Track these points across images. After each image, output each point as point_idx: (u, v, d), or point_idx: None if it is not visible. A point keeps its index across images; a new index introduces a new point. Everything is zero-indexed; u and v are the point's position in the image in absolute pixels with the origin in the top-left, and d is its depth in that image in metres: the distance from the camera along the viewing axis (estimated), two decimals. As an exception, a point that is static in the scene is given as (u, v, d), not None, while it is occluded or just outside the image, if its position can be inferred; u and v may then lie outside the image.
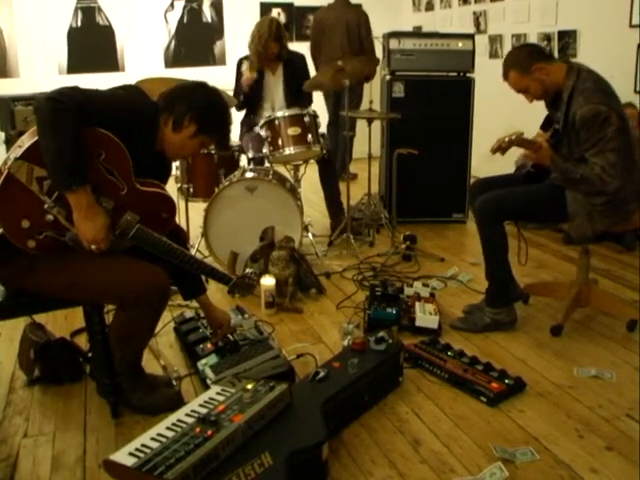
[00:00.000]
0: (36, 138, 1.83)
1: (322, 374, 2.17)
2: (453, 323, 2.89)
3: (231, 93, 3.96)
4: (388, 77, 4.41)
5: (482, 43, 5.65)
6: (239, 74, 4.14)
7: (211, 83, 2.23)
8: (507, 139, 2.65)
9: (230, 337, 2.56)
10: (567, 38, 4.84)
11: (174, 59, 6.45)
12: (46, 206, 1.89)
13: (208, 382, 2.30)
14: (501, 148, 2.66)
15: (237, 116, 4.10)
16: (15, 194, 1.85)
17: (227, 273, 2.45)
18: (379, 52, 4.94)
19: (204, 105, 2.15)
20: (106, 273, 2.03)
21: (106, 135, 1.90)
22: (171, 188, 2.54)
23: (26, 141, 1.87)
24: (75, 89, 1.89)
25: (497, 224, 2.74)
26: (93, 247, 1.94)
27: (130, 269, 2.06)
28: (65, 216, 1.92)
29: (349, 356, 2.30)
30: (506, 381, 2.34)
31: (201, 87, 2.21)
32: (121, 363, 2.21)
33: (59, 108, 1.80)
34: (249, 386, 1.98)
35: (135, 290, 2.02)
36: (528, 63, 2.63)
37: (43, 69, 5.86)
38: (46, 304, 2.13)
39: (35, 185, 1.87)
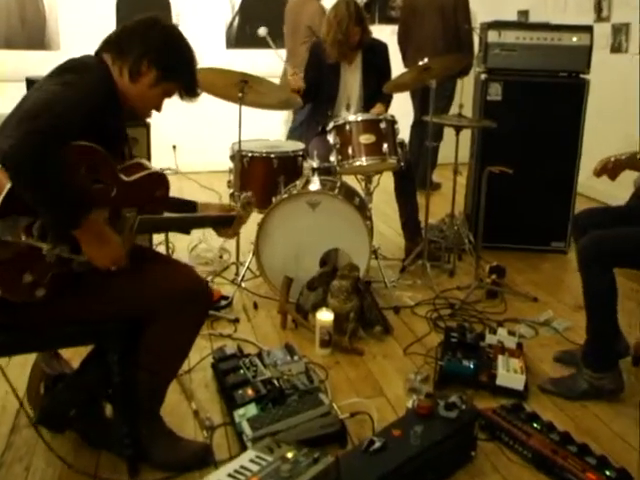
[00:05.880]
0: (7, 189, 1.70)
1: (378, 444, 2.05)
2: (543, 384, 2.68)
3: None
4: (484, 76, 4.19)
5: (603, 33, 5.28)
6: (312, 59, 4.04)
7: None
8: (613, 159, 2.41)
9: (275, 383, 2.47)
10: None
11: (237, 39, 6.33)
12: (45, 251, 1.82)
13: (244, 438, 2.20)
14: (606, 171, 2.43)
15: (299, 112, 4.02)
16: (6, 256, 1.76)
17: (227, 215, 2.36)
18: (477, 44, 4.74)
19: (162, 45, 2.02)
20: (138, 283, 2.01)
21: (77, 145, 1.79)
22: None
23: None
24: (38, 121, 1.69)
25: (601, 270, 2.50)
26: (113, 268, 1.92)
27: (162, 271, 2.07)
28: (69, 249, 1.86)
29: (412, 423, 2.17)
30: (607, 472, 2.10)
31: (155, 23, 2.06)
32: (147, 389, 2.13)
33: (38, 153, 1.63)
34: (289, 454, 1.87)
35: (176, 293, 2.01)
36: None
37: (87, 42, 5.87)
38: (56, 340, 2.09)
39: (25, 237, 1.78)
